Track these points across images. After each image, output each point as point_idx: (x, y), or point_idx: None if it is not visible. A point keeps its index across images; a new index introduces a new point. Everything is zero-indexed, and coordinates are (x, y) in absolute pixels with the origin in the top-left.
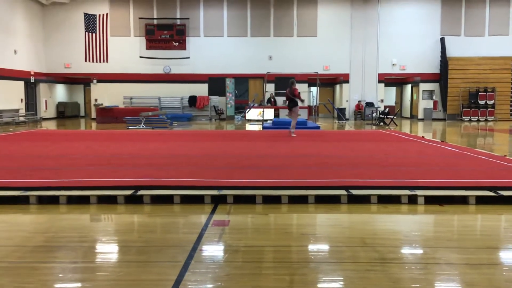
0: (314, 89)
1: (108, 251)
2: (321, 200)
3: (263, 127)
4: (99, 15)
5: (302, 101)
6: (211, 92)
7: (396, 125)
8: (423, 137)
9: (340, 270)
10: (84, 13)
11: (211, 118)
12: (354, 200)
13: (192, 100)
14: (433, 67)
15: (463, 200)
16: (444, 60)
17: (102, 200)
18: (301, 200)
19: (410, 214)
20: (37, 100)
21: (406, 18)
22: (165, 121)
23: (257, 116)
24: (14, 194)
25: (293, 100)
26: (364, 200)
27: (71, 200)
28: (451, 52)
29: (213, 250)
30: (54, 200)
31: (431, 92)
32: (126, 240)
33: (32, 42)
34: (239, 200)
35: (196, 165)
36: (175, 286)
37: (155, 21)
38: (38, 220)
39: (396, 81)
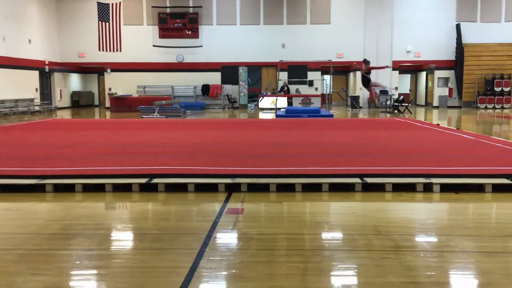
0: (327, 77)
1: (123, 239)
2: (335, 188)
3: (276, 116)
4: (112, 4)
5: (386, 67)
6: (224, 80)
7: (411, 113)
8: (438, 124)
9: (354, 258)
10: (98, 2)
11: (224, 106)
12: (369, 188)
13: (205, 88)
14: (449, 54)
15: (479, 188)
16: (460, 47)
17: (117, 188)
18: (315, 188)
19: (425, 202)
20: (52, 89)
21: (421, 4)
22: (178, 110)
23: (270, 104)
24: (30, 183)
25: (366, 78)
26: (379, 188)
27: (87, 188)
28: (466, 39)
29: (227, 238)
30: (69, 188)
31: (446, 79)
32: (141, 228)
33: (46, 32)
34: (253, 188)
35: (210, 153)
36: (190, 273)
37: (168, 10)
38: (54, 208)
39: (410, 68)
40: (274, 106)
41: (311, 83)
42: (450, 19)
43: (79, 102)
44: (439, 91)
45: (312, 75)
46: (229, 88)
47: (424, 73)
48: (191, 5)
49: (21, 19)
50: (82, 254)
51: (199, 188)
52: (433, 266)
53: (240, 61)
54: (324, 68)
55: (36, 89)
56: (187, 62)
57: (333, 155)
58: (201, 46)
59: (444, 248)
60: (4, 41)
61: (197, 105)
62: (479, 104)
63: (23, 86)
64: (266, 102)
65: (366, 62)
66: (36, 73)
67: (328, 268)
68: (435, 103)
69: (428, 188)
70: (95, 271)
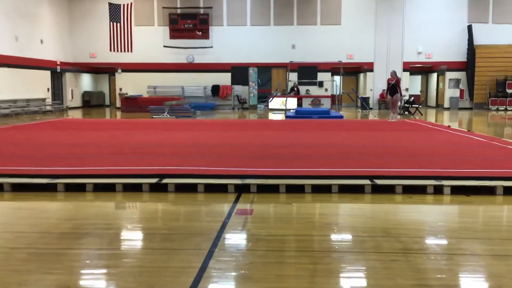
0: (337, 78)
1: (133, 238)
2: (344, 189)
3: (286, 116)
4: (124, 5)
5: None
6: (234, 81)
7: (422, 114)
8: (449, 126)
9: (364, 260)
10: (109, 3)
11: (234, 107)
12: (378, 190)
13: (215, 89)
14: (460, 55)
15: (490, 191)
16: (471, 48)
17: (128, 188)
18: (325, 189)
19: (436, 204)
20: (63, 89)
21: (433, 5)
22: (188, 110)
23: (280, 105)
24: (42, 182)
25: (395, 89)
26: (389, 190)
27: (97, 188)
28: (478, 40)
29: (236, 239)
30: (80, 188)
31: (457, 81)
32: (151, 228)
33: (58, 32)
34: (263, 189)
35: (219, 154)
36: (199, 273)
37: (179, 11)
38: (65, 207)
39: (421, 69)
40: (284, 107)
41: (321, 84)
42: (461, 20)
43: (90, 102)
44: (450, 93)
45: (322, 76)
46: (239, 89)
47: (435, 75)
48: (202, 6)
49: (33, 19)
50: (93, 253)
51: (209, 188)
52: (443, 269)
53: (250, 62)
54: (334, 69)
55: (48, 89)
56: (197, 63)
57: (342, 156)
58: (211, 47)
59: (454, 251)
60: (16, 41)
61: (207, 106)
62: (490, 106)
63: (35, 86)
64: (276, 103)
65: (395, 73)
66: (48, 73)
67: (337, 270)
68: (446, 105)
69: (438, 190)
70: (105, 271)
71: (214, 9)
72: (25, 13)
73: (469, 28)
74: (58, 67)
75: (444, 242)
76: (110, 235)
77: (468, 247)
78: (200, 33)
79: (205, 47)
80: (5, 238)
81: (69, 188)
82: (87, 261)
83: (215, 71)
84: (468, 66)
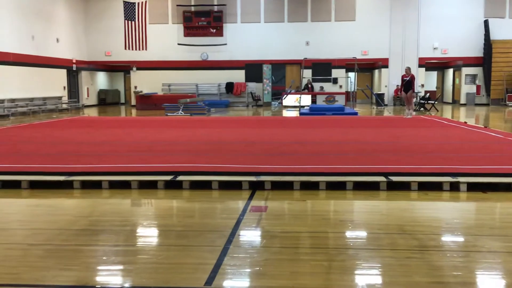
0: (352, 75)
1: (148, 235)
2: (359, 186)
3: (300, 113)
4: (138, 3)
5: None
6: (248, 78)
7: (437, 111)
8: (465, 122)
9: (379, 257)
10: (124, 1)
11: (248, 104)
12: (394, 186)
13: (229, 86)
14: (476, 51)
15: (507, 187)
16: (488, 43)
17: (143, 185)
18: (339, 186)
19: (452, 201)
20: (79, 87)
21: (448, 0)
22: (203, 107)
23: (294, 102)
24: (59, 179)
25: (409, 85)
26: (404, 187)
27: (113, 185)
28: (495, 35)
29: (251, 236)
30: (96, 185)
31: (474, 77)
32: (166, 225)
33: (74, 31)
34: (277, 186)
35: (234, 151)
36: (214, 270)
37: (193, 8)
38: (82, 204)
39: (437, 65)
40: (298, 104)
41: (335, 81)
42: (478, 15)
43: (106, 100)
44: (467, 88)
45: (336, 73)
46: (253, 86)
47: (451, 70)
48: (215, 3)
49: (49, 18)
50: (109, 249)
51: (223, 185)
52: (459, 266)
53: (264, 59)
54: (348, 65)
55: (64, 87)
56: (211, 60)
57: (357, 153)
58: (225, 44)
59: (471, 248)
60: (33, 40)
61: (221, 103)
62: (507, 102)
63: (51, 84)
64: (290, 100)
65: (410, 69)
66: (64, 72)
67: (352, 267)
68: (462, 101)
69: (455, 187)
70: (121, 267)
71: (228, 6)
72: (41, 13)
73: (486, 23)
74: (74, 66)
75: (460, 239)
76: (126, 232)
77: (484, 244)
78: (214, 30)
79: (219, 45)
80: (23, 235)
81: (86, 185)
82: (104, 258)
83: (229, 68)
84: (484, 61)
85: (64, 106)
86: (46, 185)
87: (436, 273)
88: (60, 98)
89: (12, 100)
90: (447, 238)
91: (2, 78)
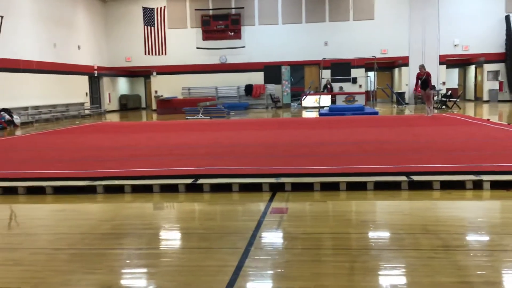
0: (371, 74)
1: (171, 238)
2: (380, 186)
3: (320, 114)
4: (157, 8)
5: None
6: (267, 80)
7: (460, 108)
8: (488, 120)
9: (402, 257)
10: (143, 7)
11: (268, 106)
12: (415, 186)
13: (248, 89)
14: (498, 47)
15: None
16: (510, 39)
17: (164, 188)
18: (360, 186)
19: (475, 200)
20: (101, 93)
21: None
22: (222, 110)
23: (314, 103)
24: (82, 184)
25: (426, 83)
26: (426, 186)
27: (135, 189)
28: None
29: (272, 237)
30: (119, 189)
31: (496, 73)
32: (188, 227)
33: (94, 37)
34: (297, 187)
35: (254, 153)
36: (236, 272)
37: (211, 12)
38: (105, 208)
39: (458, 62)
40: (318, 105)
41: (354, 81)
42: (498, 10)
43: (127, 105)
44: (489, 85)
45: (355, 72)
46: (272, 88)
47: (472, 67)
48: (233, 6)
49: (70, 25)
50: (132, 253)
51: (244, 188)
52: (484, 266)
53: (283, 61)
54: (368, 64)
55: (86, 93)
56: (230, 63)
57: (378, 153)
58: (244, 46)
59: (495, 247)
60: (54, 48)
61: (241, 106)
62: None
63: (73, 91)
64: (309, 100)
65: (424, 67)
66: (85, 78)
67: (375, 268)
68: (485, 98)
69: (478, 185)
70: (144, 270)
71: (246, 9)
72: (62, 20)
73: (507, 19)
74: (96, 72)
75: (484, 238)
76: (149, 235)
77: (509, 243)
78: (232, 33)
79: (238, 47)
80: (48, 240)
81: (108, 189)
82: (127, 261)
83: (248, 70)
84: (507, 57)
85: (87, 112)
86: (70, 190)
87: (460, 273)
88: (82, 104)
89: (36, 107)
90: (471, 237)
91: (26, 86)
